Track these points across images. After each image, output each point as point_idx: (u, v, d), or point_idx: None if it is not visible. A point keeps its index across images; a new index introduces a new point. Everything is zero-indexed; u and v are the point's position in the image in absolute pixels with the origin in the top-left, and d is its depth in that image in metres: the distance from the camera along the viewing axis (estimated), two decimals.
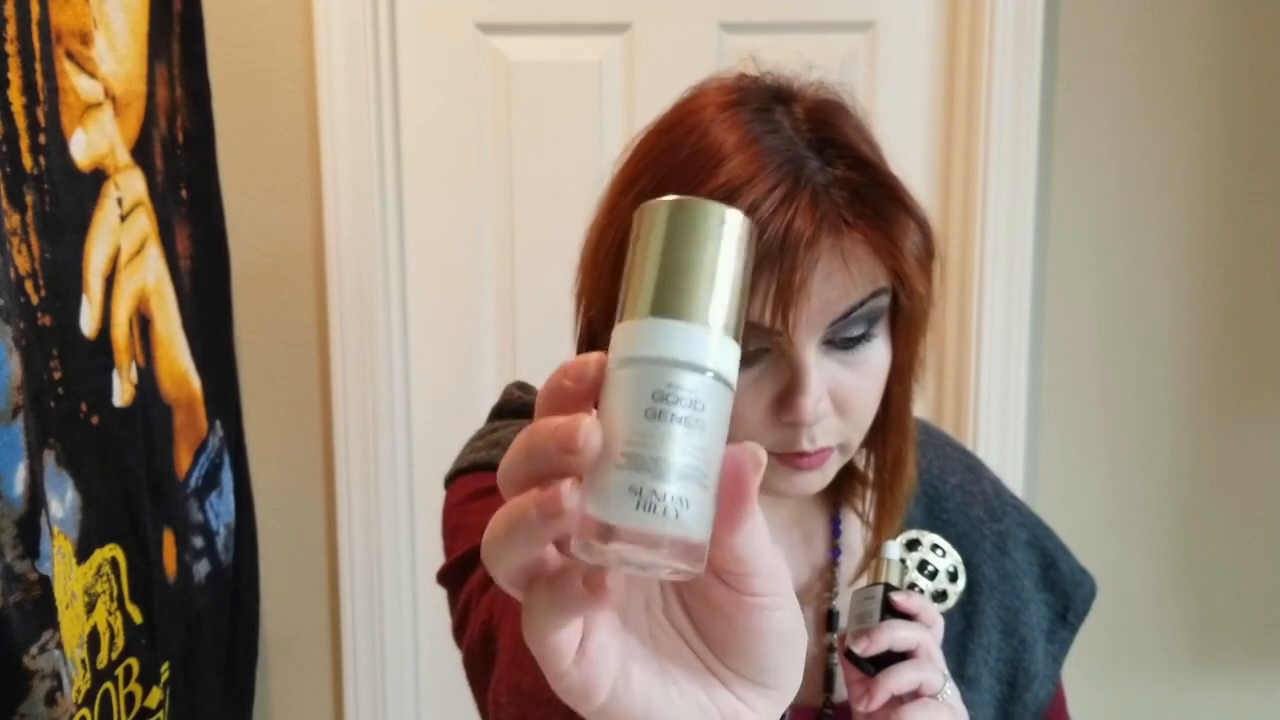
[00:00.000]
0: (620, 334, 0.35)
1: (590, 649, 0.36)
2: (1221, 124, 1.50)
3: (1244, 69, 1.49)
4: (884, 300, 0.66)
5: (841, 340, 0.65)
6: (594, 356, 0.35)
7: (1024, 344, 1.53)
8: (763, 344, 0.63)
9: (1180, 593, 1.59)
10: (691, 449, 0.34)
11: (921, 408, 1.58)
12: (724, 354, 0.35)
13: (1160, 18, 1.49)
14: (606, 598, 0.34)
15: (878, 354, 0.67)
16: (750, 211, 0.61)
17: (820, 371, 0.64)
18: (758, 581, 0.36)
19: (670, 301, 0.35)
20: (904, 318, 0.68)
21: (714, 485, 0.35)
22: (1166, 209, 1.52)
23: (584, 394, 0.35)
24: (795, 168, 0.63)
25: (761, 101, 0.67)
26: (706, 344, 0.35)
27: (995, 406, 1.54)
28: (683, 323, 0.34)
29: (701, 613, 0.39)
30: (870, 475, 0.76)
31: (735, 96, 0.67)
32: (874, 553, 0.75)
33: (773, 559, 0.37)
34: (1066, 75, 1.50)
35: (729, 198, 0.61)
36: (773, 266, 0.60)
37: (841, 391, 0.66)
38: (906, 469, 0.74)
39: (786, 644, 0.38)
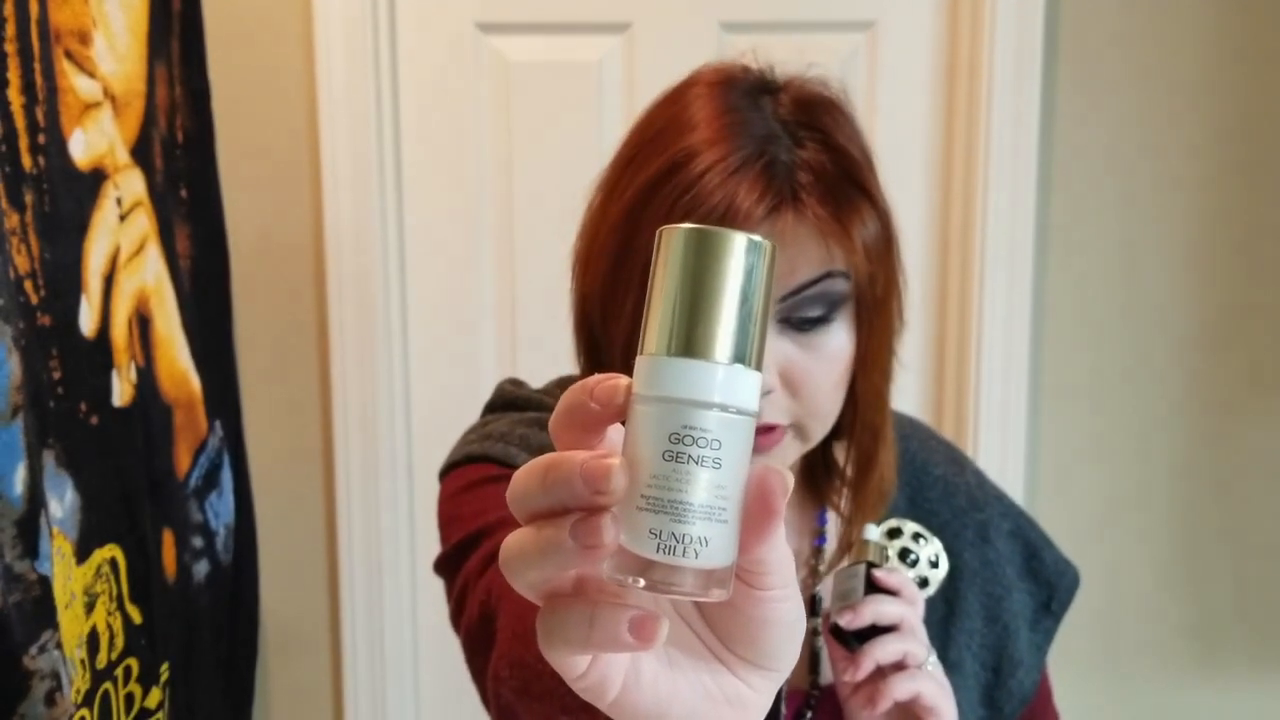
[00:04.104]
0: (640, 368, 0.36)
1: (604, 654, 0.37)
2: (1222, 123, 1.50)
3: (1245, 68, 1.49)
4: (841, 284, 0.67)
5: (798, 320, 0.67)
6: (623, 382, 0.35)
7: (1024, 344, 1.52)
8: None
9: (1179, 593, 1.59)
10: (710, 487, 0.34)
11: (922, 408, 1.59)
12: (742, 386, 0.35)
13: (1161, 17, 1.48)
14: (654, 645, 0.35)
15: (835, 340, 0.68)
16: (699, 178, 0.63)
17: (770, 347, 0.65)
18: (771, 578, 0.37)
19: (686, 339, 0.35)
20: (864, 306, 0.69)
21: (736, 514, 0.35)
22: (1167, 209, 1.52)
23: (608, 419, 0.35)
24: (760, 144, 0.64)
25: (749, 85, 0.69)
26: (722, 381, 0.35)
27: (996, 406, 1.54)
28: (698, 361, 0.35)
29: (710, 604, 0.40)
30: (849, 473, 0.78)
31: (724, 78, 0.69)
32: (846, 547, 0.76)
33: (786, 553, 0.37)
34: (1067, 75, 1.50)
35: (685, 161, 0.63)
36: None
37: (793, 371, 0.67)
38: (876, 468, 0.75)
39: (790, 630, 0.39)
